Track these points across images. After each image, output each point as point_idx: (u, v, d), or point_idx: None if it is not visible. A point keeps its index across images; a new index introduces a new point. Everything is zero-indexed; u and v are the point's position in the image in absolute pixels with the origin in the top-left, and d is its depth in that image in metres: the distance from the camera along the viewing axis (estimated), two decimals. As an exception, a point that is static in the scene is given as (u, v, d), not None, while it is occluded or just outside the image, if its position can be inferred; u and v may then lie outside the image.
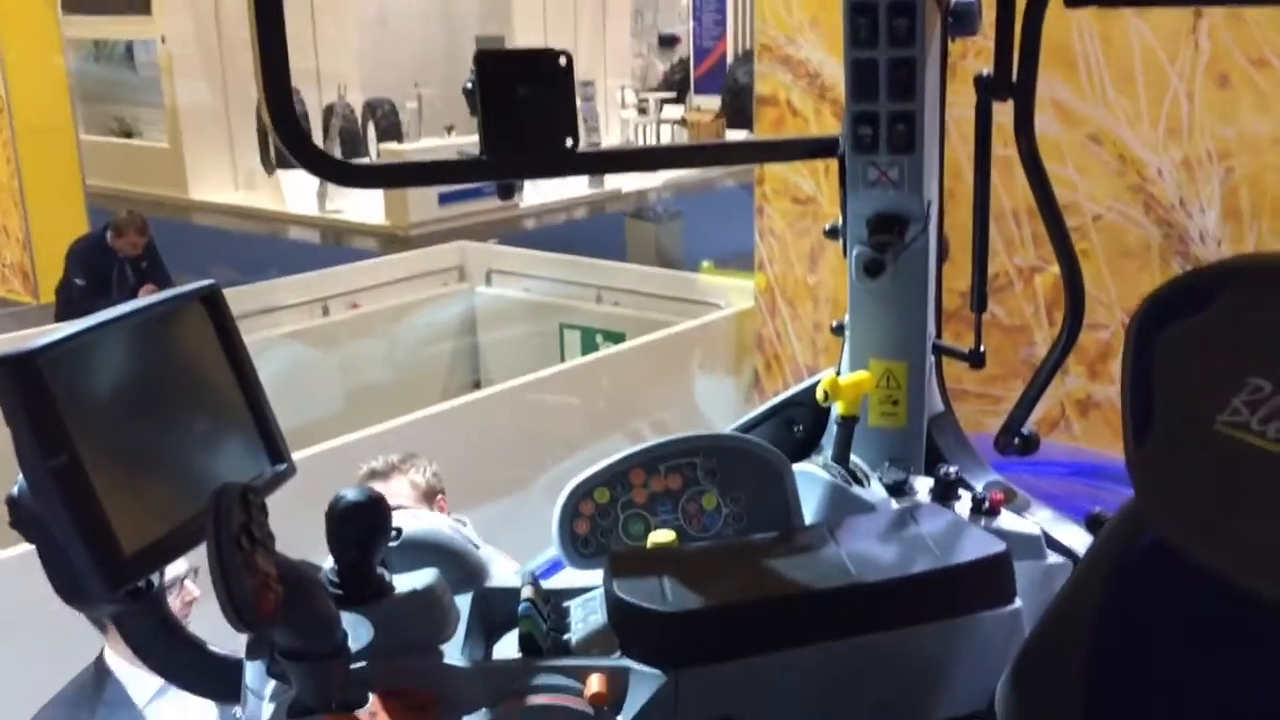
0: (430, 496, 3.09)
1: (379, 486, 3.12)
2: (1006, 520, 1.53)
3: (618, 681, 1.06)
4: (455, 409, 5.41)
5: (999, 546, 1.18)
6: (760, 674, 1.08)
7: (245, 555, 0.90)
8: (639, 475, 1.36)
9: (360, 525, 1.10)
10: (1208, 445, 0.86)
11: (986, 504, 1.53)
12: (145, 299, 1.16)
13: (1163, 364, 0.90)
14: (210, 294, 1.19)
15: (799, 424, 1.73)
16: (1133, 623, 0.99)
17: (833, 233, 1.61)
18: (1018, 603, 1.18)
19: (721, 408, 6.38)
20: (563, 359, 7.56)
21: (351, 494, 1.11)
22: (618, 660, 1.08)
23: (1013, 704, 1.05)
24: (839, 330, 1.65)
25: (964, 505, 1.55)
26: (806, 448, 1.75)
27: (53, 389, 0.98)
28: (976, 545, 1.19)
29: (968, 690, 1.14)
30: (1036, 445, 1.66)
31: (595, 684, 1.04)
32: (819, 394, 1.50)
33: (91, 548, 0.99)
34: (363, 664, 1.07)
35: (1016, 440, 1.63)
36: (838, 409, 1.54)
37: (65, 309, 7.21)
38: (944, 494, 1.56)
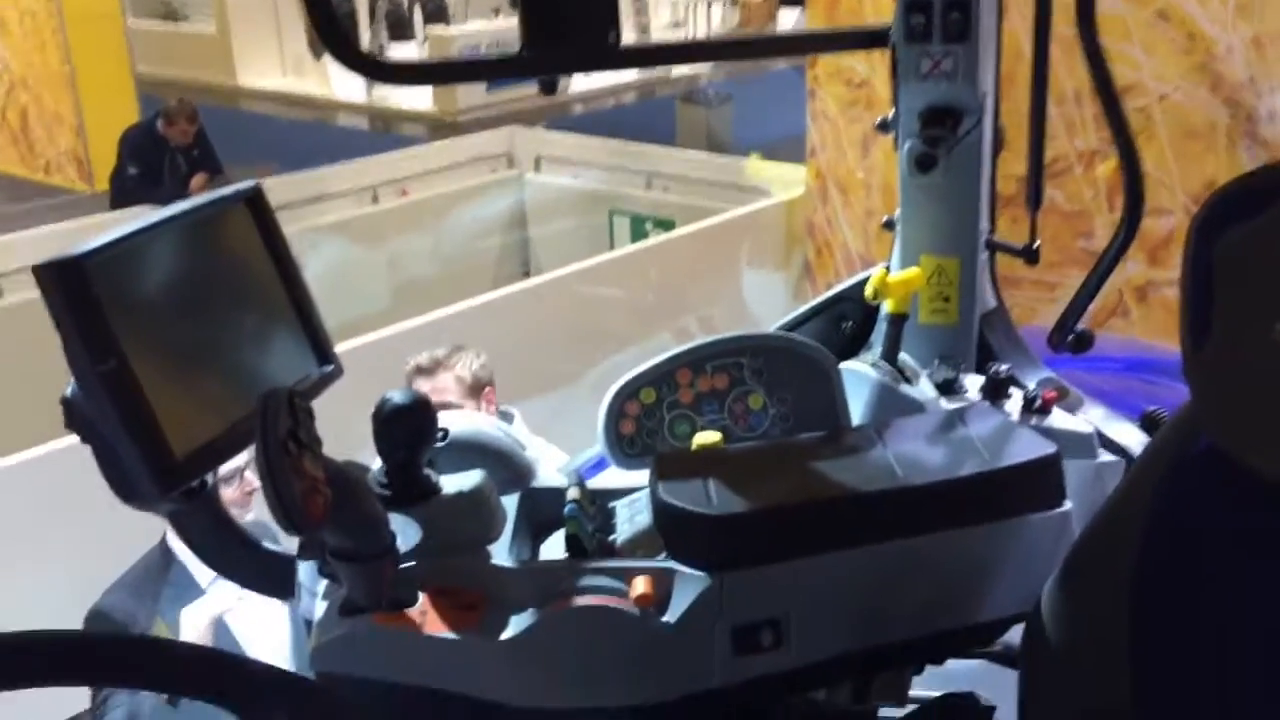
0: (477, 390, 3.10)
1: (425, 383, 3.16)
2: (1058, 419, 1.51)
3: (663, 583, 1.07)
4: (504, 299, 5.42)
5: (1049, 448, 1.17)
6: (804, 577, 1.08)
7: (293, 459, 0.90)
8: (685, 375, 1.35)
9: (406, 427, 1.10)
10: (1265, 352, 0.83)
11: (1038, 402, 1.51)
12: (190, 201, 1.16)
13: (1222, 267, 0.87)
14: (254, 195, 1.18)
15: (848, 320, 1.71)
16: (1183, 528, 0.97)
17: (884, 126, 1.56)
18: (1067, 505, 1.17)
19: (771, 298, 6.34)
20: (612, 247, 7.52)
21: (398, 396, 1.11)
22: (663, 562, 1.08)
23: (1059, 605, 1.05)
24: (890, 225, 1.62)
25: (1015, 403, 1.53)
26: (856, 345, 1.74)
27: (99, 293, 0.98)
28: (1026, 447, 1.17)
29: (1015, 592, 1.14)
30: (1091, 343, 1.63)
31: (641, 586, 1.05)
32: (867, 291, 1.48)
33: (142, 451, 1.00)
34: (412, 564, 1.08)
35: (1070, 338, 1.60)
36: (887, 306, 1.52)
37: (119, 198, 7.26)
38: (995, 392, 1.54)
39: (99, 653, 0.79)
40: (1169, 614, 0.99)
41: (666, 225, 7.33)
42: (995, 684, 1.35)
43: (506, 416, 3.27)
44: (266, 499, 0.89)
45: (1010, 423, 1.22)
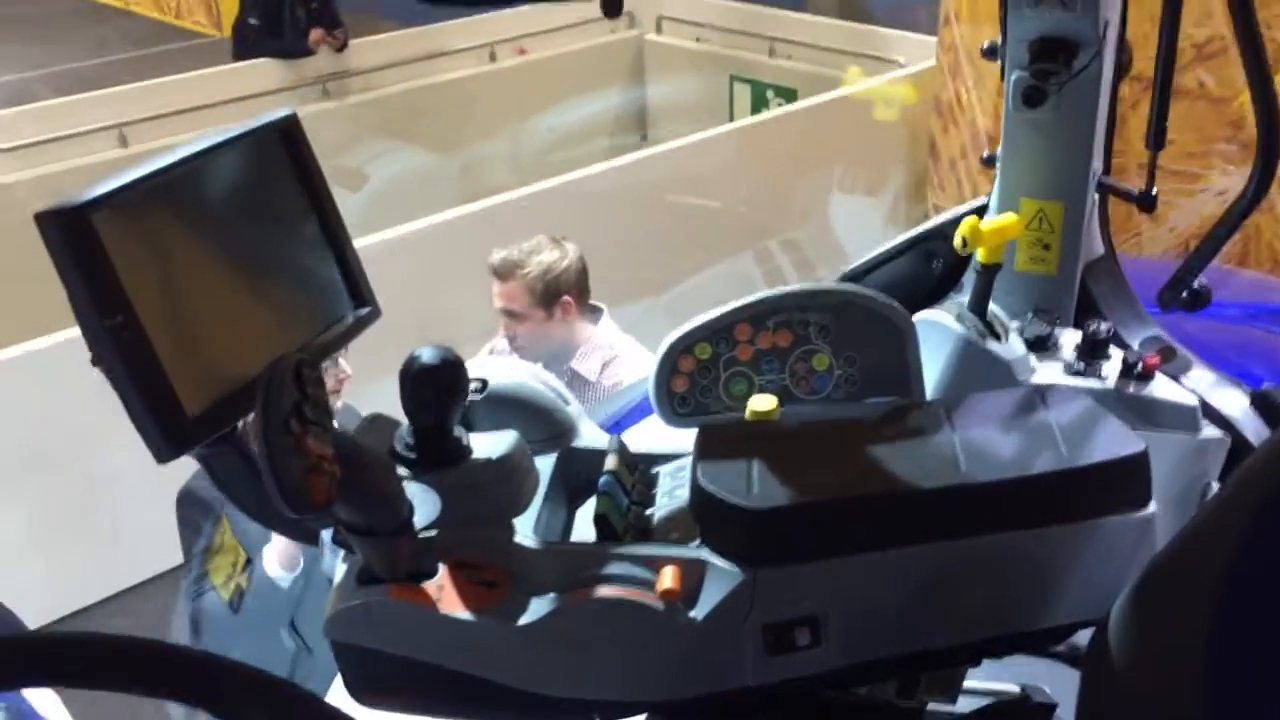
0: (550, 300, 3.01)
1: (496, 284, 3.10)
2: (1159, 387, 1.38)
3: (694, 573, 1.00)
4: (620, 168, 5.30)
5: (1136, 446, 1.05)
6: (847, 575, 1.00)
7: (295, 438, 0.85)
8: (745, 331, 1.25)
9: (435, 389, 1.04)
10: None
11: (1139, 367, 1.38)
12: (217, 133, 1.09)
13: None
14: (288, 125, 1.11)
15: (939, 259, 1.58)
16: (1266, 574, 0.87)
17: (990, 52, 1.41)
18: (1151, 508, 1.06)
19: (893, 182, 6.10)
20: (731, 116, 7.28)
21: (427, 355, 1.05)
22: (695, 551, 1.01)
23: (1132, 621, 0.96)
24: (990, 161, 1.47)
25: (1114, 366, 1.40)
26: (946, 286, 1.61)
27: (107, 244, 0.92)
28: (1111, 442, 1.06)
29: (1085, 598, 1.04)
30: (1208, 301, 1.48)
31: (667, 579, 0.98)
32: (956, 240, 1.35)
33: (152, 410, 0.96)
34: (433, 533, 1.03)
35: (1185, 294, 1.45)
36: (978, 256, 1.39)
37: (239, 47, 7.28)
38: (1092, 352, 1.41)
39: (68, 654, 0.76)
40: (1251, 652, 0.90)
41: (788, 95, 7.08)
42: (1056, 677, 1.27)
43: (595, 312, 3.20)
44: (264, 480, 0.84)
45: (1096, 410, 1.10)
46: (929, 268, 1.58)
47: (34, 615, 2.70)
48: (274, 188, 1.11)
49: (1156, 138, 1.34)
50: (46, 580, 3.84)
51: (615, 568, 1.01)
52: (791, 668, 1.01)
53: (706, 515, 1.02)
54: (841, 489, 1.02)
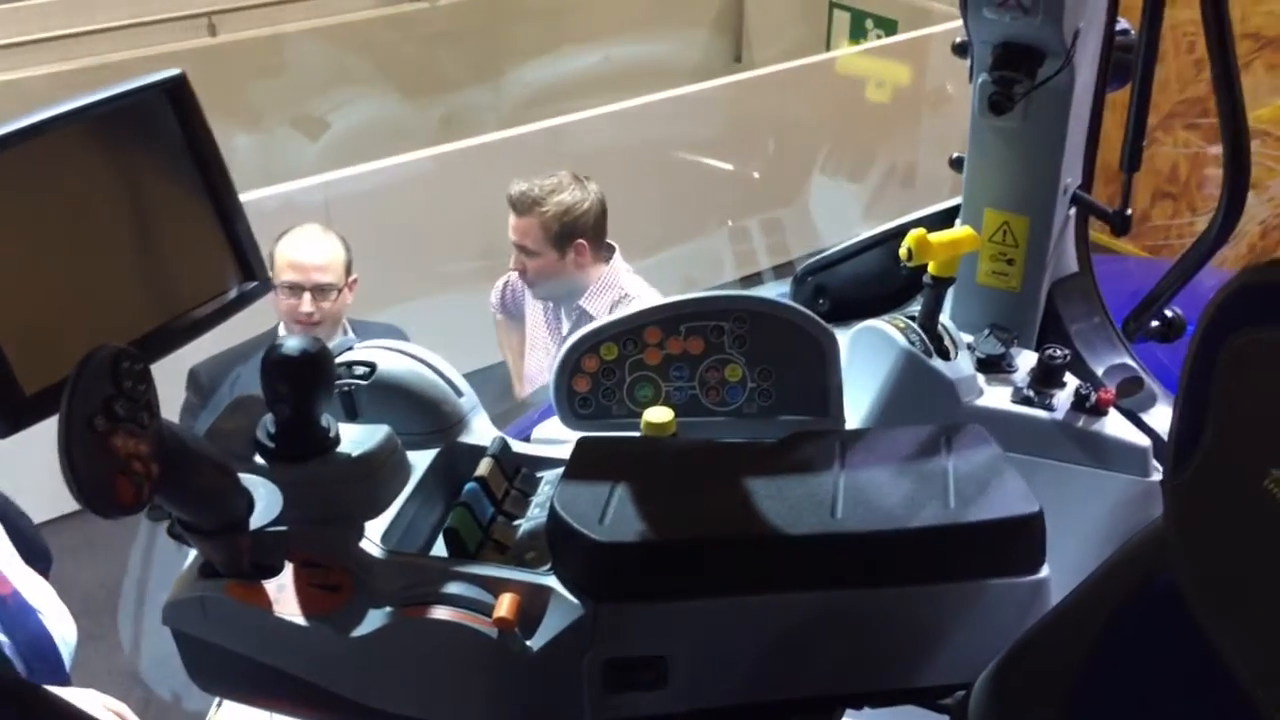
0: (564, 240, 2.93)
1: (512, 218, 3.03)
2: (1111, 423, 1.29)
3: (538, 600, 0.95)
4: (710, 90, 5.13)
5: (1030, 506, 0.97)
6: (697, 619, 0.94)
7: (99, 436, 0.81)
8: (654, 334, 1.18)
9: (292, 380, 0.99)
10: (1251, 501, 0.63)
11: (1092, 400, 1.28)
12: (98, 91, 1.03)
13: (1225, 377, 0.66)
14: (175, 85, 1.05)
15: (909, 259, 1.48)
16: (1129, 664, 0.80)
17: (960, 49, 1.30)
18: (1044, 572, 0.99)
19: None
20: (828, 45, 6.95)
21: (288, 345, 1.00)
22: (542, 577, 0.96)
23: (991, 698, 0.89)
24: (957, 165, 1.37)
25: (1067, 395, 1.31)
26: (913, 289, 1.51)
27: None
28: (1005, 500, 0.98)
29: (967, 659, 0.97)
30: (1181, 331, 1.38)
31: (504, 605, 0.93)
32: (902, 251, 1.26)
33: None
34: (283, 528, 0.99)
35: (1155, 323, 1.35)
36: (929, 268, 1.29)
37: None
38: (1045, 379, 1.32)
39: None
40: None
41: (889, 26, 6.76)
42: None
43: (608, 251, 3.14)
44: (64, 478, 0.80)
45: (1000, 461, 1.02)
46: (898, 266, 1.49)
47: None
48: (156, 152, 1.05)
49: (1131, 158, 1.23)
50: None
51: (456, 587, 0.96)
52: (632, 708, 0.96)
53: (556, 541, 0.96)
54: (699, 529, 0.96)
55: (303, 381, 0.99)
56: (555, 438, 1.26)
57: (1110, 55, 1.26)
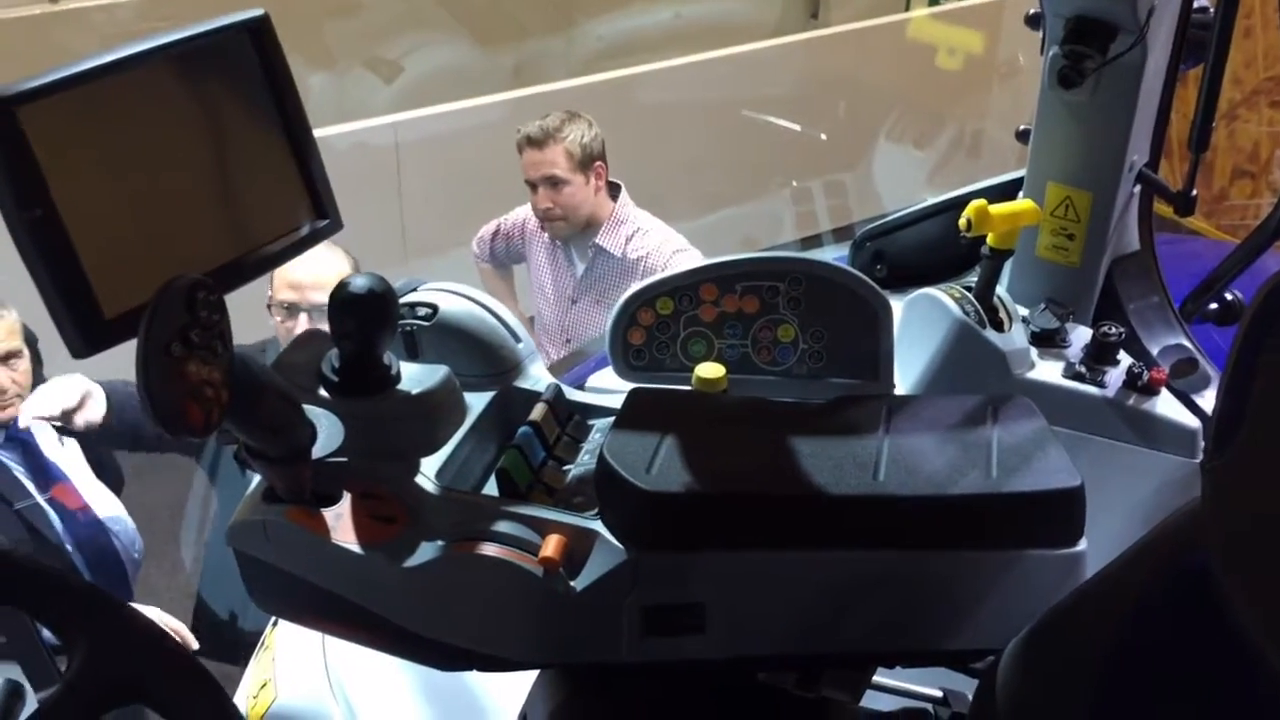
0: (587, 164, 3.10)
1: (534, 153, 3.14)
2: (1163, 403, 1.29)
3: (584, 543, 0.98)
4: (782, 48, 5.09)
5: (1072, 480, 0.98)
6: (736, 570, 0.97)
7: (175, 361, 0.85)
8: (710, 291, 1.20)
9: (358, 317, 1.03)
10: None
11: (1144, 379, 1.29)
12: (182, 29, 1.07)
13: (1268, 374, 0.67)
14: (258, 25, 1.08)
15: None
16: (1158, 642, 0.81)
17: (1033, 20, 1.29)
18: (1081, 546, 1.00)
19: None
20: (908, 6, 6.79)
21: (357, 282, 1.03)
22: (589, 521, 0.99)
23: (1021, 664, 0.92)
24: (1023, 137, 1.37)
25: (1120, 373, 1.31)
26: (975, 257, 1.52)
27: (32, 138, 0.91)
28: (1047, 472, 0.99)
29: (999, 626, 0.99)
30: (1239, 315, 1.37)
31: (550, 546, 0.96)
32: (961, 221, 1.27)
33: (69, 307, 0.96)
34: (343, 460, 1.03)
35: (1214, 305, 1.34)
36: (988, 240, 1.30)
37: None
38: (1099, 355, 1.32)
39: None
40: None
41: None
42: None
43: (615, 188, 3.21)
44: (140, 400, 0.85)
45: (1045, 434, 1.03)
46: (958, 236, 1.49)
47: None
48: (236, 89, 1.09)
49: (1200, 139, 1.22)
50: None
51: (505, 526, 0.99)
52: (670, 651, 0.99)
53: (603, 487, 0.99)
54: (742, 484, 0.98)
55: (368, 319, 1.03)
56: (609, 388, 1.29)
57: (1185, 33, 1.25)
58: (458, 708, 1.32)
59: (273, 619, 1.55)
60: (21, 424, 2.36)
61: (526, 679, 1.17)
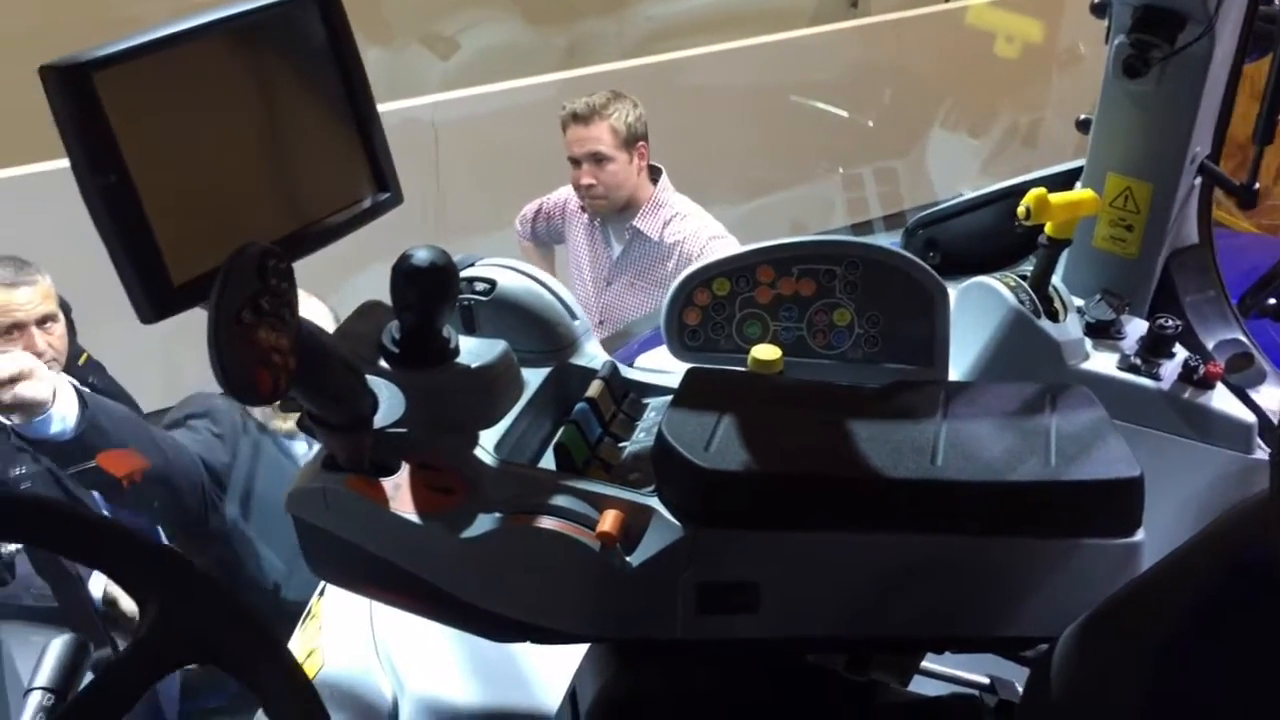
0: (631, 143, 3.11)
1: (579, 130, 3.15)
2: (1218, 397, 1.28)
3: (640, 519, 0.99)
4: (827, 35, 5.05)
5: (1132, 470, 0.98)
6: (791, 550, 0.97)
7: (245, 328, 0.86)
8: (767, 273, 1.20)
9: (420, 290, 1.03)
10: None
11: (1200, 372, 1.28)
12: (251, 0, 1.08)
13: None
14: None
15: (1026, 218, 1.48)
16: (1215, 635, 0.81)
17: (1099, 9, 1.28)
18: (1139, 536, 1.00)
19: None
20: None
21: (418, 255, 1.04)
22: (645, 497, 1.00)
23: (1076, 652, 0.91)
24: (1083, 126, 1.36)
25: (1175, 366, 1.31)
26: (1028, 247, 1.51)
27: (107, 104, 0.92)
28: (1106, 461, 0.99)
29: (1053, 615, 0.99)
30: (1299, 311, 1.36)
31: (608, 521, 0.97)
32: (1020, 209, 1.26)
33: (138, 273, 0.97)
34: (402, 430, 1.04)
35: (1272, 301, 1.33)
36: (1045, 229, 1.29)
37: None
38: (1154, 348, 1.32)
39: None
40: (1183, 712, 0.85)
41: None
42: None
43: (655, 172, 3.22)
44: (211, 365, 0.86)
45: (1103, 423, 1.03)
46: (1012, 225, 1.49)
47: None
48: (304, 61, 1.09)
49: (1265, 131, 1.21)
50: (191, 372, 4.02)
51: (562, 500, 1.00)
52: (723, 629, 1.00)
53: (661, 464, 1.00)
54: (800, 464, 0.99)
55: (429, 291, 1.04)
56: (658, 368, 1.29)
57: (1253, 25, 1.24)
58: (503, 679, 1.33)
59: (319, 588, 1.57)
60: None
61: (573, 653, 1.17)
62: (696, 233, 3.19)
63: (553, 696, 1.28)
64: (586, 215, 3.34)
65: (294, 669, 0.88)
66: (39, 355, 2.40)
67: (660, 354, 1.30)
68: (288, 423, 2.47)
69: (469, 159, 4.12)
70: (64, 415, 1.98)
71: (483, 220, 3.91)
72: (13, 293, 2.43)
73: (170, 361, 3.69)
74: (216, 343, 0.85)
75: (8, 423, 2.07)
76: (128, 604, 2.08)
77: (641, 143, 3.17)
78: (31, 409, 1.96)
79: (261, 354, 0.87)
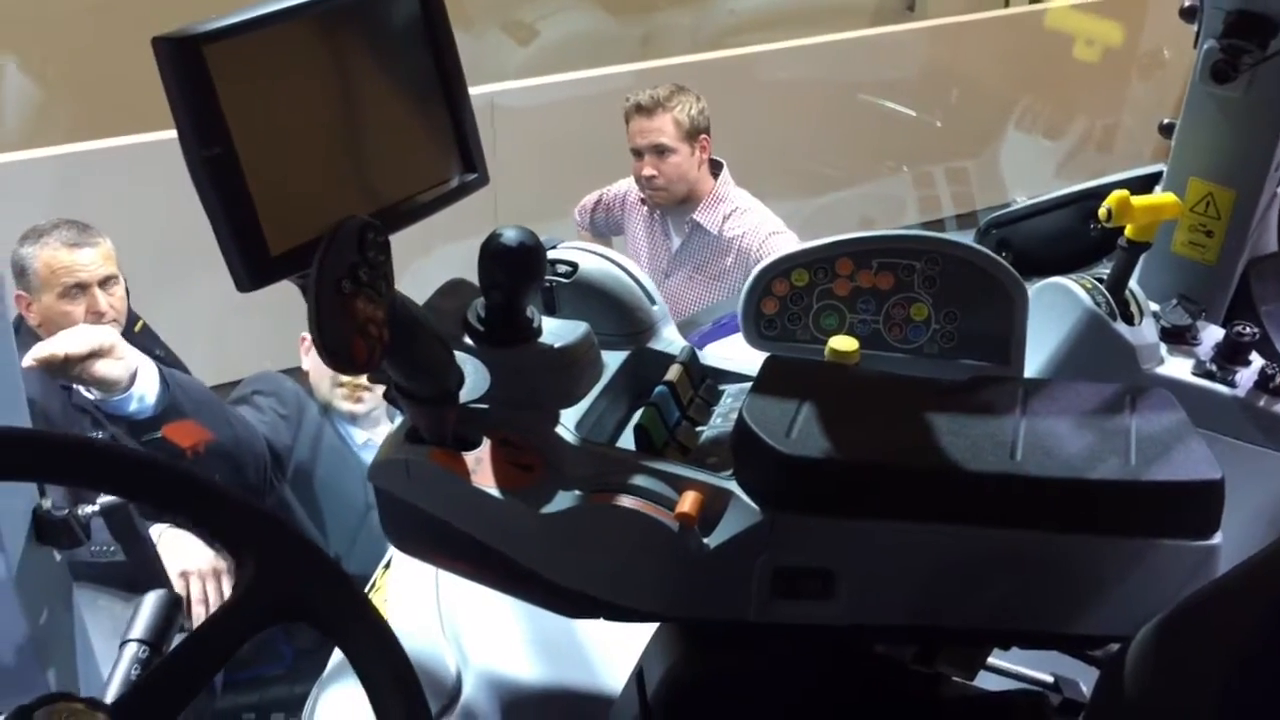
0: (694, 136, 3.13)
1: (642, 121, 3.17)
2: (1294, 406, 1.28)
3: (719, 500, 1.00)
4: (890, 36, 5.03)
5: (1213, 473, 0.98)
6: (868, 538, 0.98)
7: (345, 298, 0.88)
8: (846, 265, 1.21)
9: (508, 269, 1.05)
10: None
11: (1277, 381, 1.28)
12: None
13: None
14: None
15: (1099, 223, 1.47)
16: None
17: (1189, 13, 1.28)
18: (1216, 539, 1.00)
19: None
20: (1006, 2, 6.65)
21: (507, 235, 1.06)
22: (724, 480, 1.01)
23: (1151, 653, 0.92)
24: (1166, 131, 1.35)
25: (1251, 374, 1.30)
26: (1102, 250, 1.51)
27: (216, 77, 0.95)
28: (1186, 463, 0.99)
29: (1126, 614, 0.99)
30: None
31: (687, 502, 0.98)
32: (1101, 211, 1.26)
33: (238, 243, 0.99)
34: (484, 406, 1.06)
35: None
36: (1126, 231, 1.29)
37: None
38: (1231, 355, 1.31)
39: (82, 456, 0.82)
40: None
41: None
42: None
43: (716, 167, 3.23)
44: (310, 333, 0.88)
45: (1184, 426, 1.03)
46: (1087, 228, 1.48)
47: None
48: (400, 41, 1.11)
49: (1354, 139, 1.20)
50: (236, 348, 4.07)
51: (642, 480, 1.01)
52: (796, 614, 1.01)
53: (741, 449, 1.01)
54: (880, 454, 0.99)
55: (517, 270, 1.05)
56: (728, 357, 1.30)
57: (1347, 33, 1.23)
58: (567, 657, 1.34)
59: (383, 561, 1.59)
60: (24, 364, 1.97)
61: (636, 635, 1.19)
62: (756, 228, 3.20)
63: (615, 676, 1.30)
64: (646, 207, 3.35)
65: (384, 629, 0.90)
66: (100, 315, 2.48)
67: (721, 346, 1.31)
68: (349, 405, 2.51)
69: (525, 148, 4.15)
70: (143, 395, 2.01)
71: (537, 210, 3.94)
72: (76, 253, 2.52)
73: (217, 339, 3.73)
74: (317, 310, 0.87)
75: (90, 396, 2.12)
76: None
77: (704, 136, 3.19)
78: (107, 386, 1.98)
79: (359, 324, 0.89)
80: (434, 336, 1.00)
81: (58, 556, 1.44)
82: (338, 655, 1.45)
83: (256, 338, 3.93)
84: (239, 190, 0.98)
